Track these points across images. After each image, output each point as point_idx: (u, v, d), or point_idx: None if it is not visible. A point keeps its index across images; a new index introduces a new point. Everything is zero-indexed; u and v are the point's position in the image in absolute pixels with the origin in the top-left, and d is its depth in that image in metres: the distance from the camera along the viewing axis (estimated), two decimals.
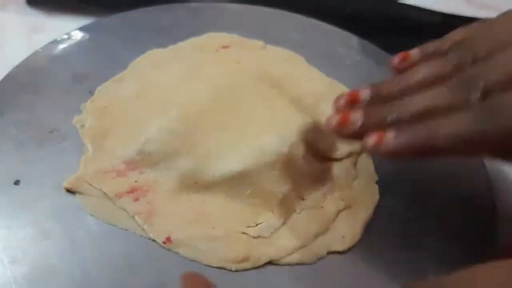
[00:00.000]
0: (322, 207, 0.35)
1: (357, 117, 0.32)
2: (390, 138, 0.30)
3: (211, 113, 0.38)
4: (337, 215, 0.35)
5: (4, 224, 0.33)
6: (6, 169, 0.35)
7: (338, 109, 0.34)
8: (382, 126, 0.31)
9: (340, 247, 0.33)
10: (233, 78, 0.41)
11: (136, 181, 0.35)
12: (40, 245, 0.32)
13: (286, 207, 0.35)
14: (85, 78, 0.41)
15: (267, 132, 0.36)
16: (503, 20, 0.32)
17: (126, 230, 0.33)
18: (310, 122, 0.37)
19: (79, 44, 0.44)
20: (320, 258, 0.33)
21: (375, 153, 0.32)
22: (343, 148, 0.38)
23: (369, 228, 0.34)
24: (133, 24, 0.46)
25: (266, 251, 0.33)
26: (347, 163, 0.38)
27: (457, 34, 0.33)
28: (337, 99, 0.34)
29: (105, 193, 0.34)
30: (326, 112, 0.40)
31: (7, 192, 0.34)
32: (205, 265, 0.32)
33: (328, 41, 0.47)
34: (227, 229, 0.33)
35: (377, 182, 0.37)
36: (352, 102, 0.33)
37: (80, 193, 0.34)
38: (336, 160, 0.38)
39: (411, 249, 0.34)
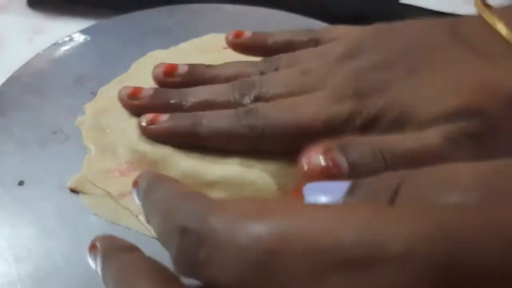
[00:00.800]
0: None
1: (148, 92, 0.37)
2: (162, 119, 0.34)
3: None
4: None
5: (9, 224, 0.33)
6: (10, 170, 0.35)
7: (154, 76, 0.38)
8: (165, 108, 0.35)
9: None
10: None
11: None
12: (44, 244, 0.32)
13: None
14: (87, 80, 0.41)
15: None
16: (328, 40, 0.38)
17: (129, 229, 0.33)
18: None
19: (81, 46, 0.44)
20: None
21: (145, 133, 0.35)
22: None
23: None
24: (134, 26, 0.47)
25: None
26: None
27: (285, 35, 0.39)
28: (156, 67, 0.38)
29: (108, 193, 0.34)
30: None
31: (11, 193, 0.34)
32: None
33: None
34: None
35: None
36: (168, 73, 0.38)
37: (83, 192, 0.35)
38: None
39: None
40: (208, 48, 0.45)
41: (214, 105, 0.35)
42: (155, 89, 0.37)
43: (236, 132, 0.33)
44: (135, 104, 0.37)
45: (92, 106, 0.39)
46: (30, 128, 0.38)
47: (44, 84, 0.41)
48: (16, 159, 0.36)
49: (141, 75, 0.42)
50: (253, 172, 0.35)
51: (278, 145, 0.34)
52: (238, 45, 0.40)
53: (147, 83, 0.41)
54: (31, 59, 0.42)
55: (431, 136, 0.30)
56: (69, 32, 0.45)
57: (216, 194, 0.35)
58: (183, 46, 0.45)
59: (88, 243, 0.32)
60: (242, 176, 0.35)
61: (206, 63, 0.43)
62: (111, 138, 0.37)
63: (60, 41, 0.44)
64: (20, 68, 0.42)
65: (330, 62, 0.35)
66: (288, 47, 0.38)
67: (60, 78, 0.41)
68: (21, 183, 0.35)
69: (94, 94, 0.40)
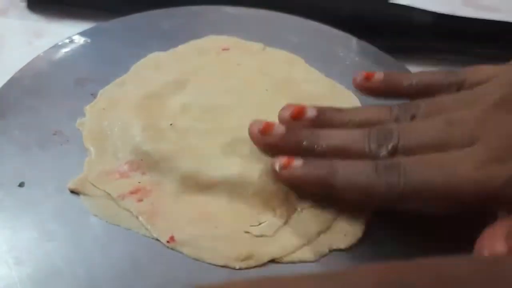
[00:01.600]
0: (324, 205, 0.35)
1: (279, 130, 0.34)
2: (296, 165, 0.32)
3: (209, 115, 0.38)
4: (339, 213, 0.35)
5: (9, 226, 0.33)
6: (11, 171, 0.35)
7: (280, 119, 0.35)
8: (297, 149, 0.33)
9: (342, 244, 0.34)
10: (233, 80, 0.42)
11: (139, 182, 0.35)
12: (44, 246, 0.32)
13: (288, 206, 0.35)
14: (87, 81, 0.41)
15: None
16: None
17: (129, 230, 0.33)
18: None
19: (81, 48, 0.45)
20: (323, 255, 0.33)
21: (278, 177, 0.33)
22: None
23: (371, 225, 0.35)
24: (134, 28, 0.47)
25: (269, 250, 0.33)
26: None
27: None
28: (284, 109, 0.35)
29: (108, 194, 0.34)
30: None
31: (11, 194, 0.34)
32: (208, 263, 0.32)
33: (327, 43, 0.47)
34: (230, 229, 0.34)
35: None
36: (297, 116, 0.34)
37: (84, 194, 0.35)
38: None
39: (414, 246, 0.34)
40: (207, 50, 0.45)
41: (347, 153, 0.32)
42: (287, 128, 0.34)
43: (373, 188, 0.30)
44: (266, 141, 0.34)
45: (92, 108, 0.39)
46: (30, 130, 0.38)
47: (44, 86, 0.41)
48: (16, 160, 0.36)
49: (141, 77, 0.42)
50: (254, 173, 0.35)
51: (418, 206, 0.31)
52: (369, 89, 0.36)
53: (147, 85, 0.41)
54: (31, 61, 0.42)
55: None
56: (68, 35, 0.45)
57: (218, 194, 0.35)
58: (183, 48, 0.45)
59: (88, 245, 0.32)
60: (243, 176, 0.35)
61: (206, 65, 0.43)
62: (112, 139, 0.37)
63: (60, 43, 0.44)
64: (20, 70, 0.42)
65: (483, 111, 0.30)
66: (427, 90, 0.34)
67: (60, 80, 0.41)
68: (21, 184, 0.35)
69: (94, 95, 0.40)
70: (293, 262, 0.33)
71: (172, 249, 0.33)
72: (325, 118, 0.34)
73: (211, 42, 0.46)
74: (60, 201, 0.34)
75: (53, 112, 0.39)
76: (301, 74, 0.44)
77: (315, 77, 0.44)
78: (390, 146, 0.31)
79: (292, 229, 0.34)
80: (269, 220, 0.34)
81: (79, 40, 0.45)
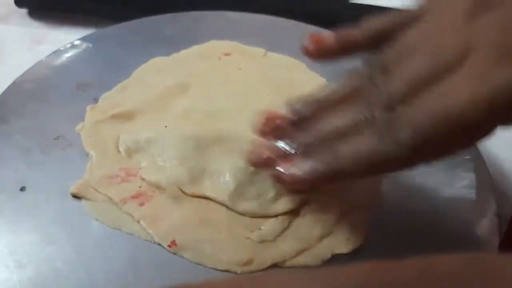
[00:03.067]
0: (325, 210, 0.35)
1: (265, 148, 0.32)
2: (299, 165, 0.30)
3: (210, 119, 0.38)
4: (340, 218, 0.35)
5: (10, 230, 0.33)
6: (12, 175, 0.35)
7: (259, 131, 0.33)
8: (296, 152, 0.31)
9: (344, 249, 0.33)
10: (235, 85, 0.42)
11: (140, 186, 0.35)
12: (45, 250, 0.32)
13: (289, 211, 0.35)
14: (89, 86, 0.42)
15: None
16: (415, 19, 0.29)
17: (131, 234, 0.33)
18: None
19: (83, 53, 0.45)
20: (325, 260, 0.33)
21: (284, 184, 0.32)
22: None
23: (373, 230, 0.35)
24: (136, 33, 0.47)
25: (271, 254, 0.33)
26: None
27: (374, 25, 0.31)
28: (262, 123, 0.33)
29: (110, 198, 0.34)
30: None
31: (13, 198, 0.34)
32: (210, 268, 0.32)
33: None
34: (231, 233, 0.33)
35: (380, 185, 0.37)
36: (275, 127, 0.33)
37: (85, 198, 0.35)
38: None
39: (415, 250, 0.34)
40: (209, 55, 0.46)
41: (347, 134, 0.29)
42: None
43: (381, 153, 0.27)
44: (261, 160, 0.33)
45: (92, 112, 0.39)
46: (32, 134, 0.38)
47: (46, 90, 0.41)
48: (18, 165, 0.36)
49: (143, 82, 0.42)
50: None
51: (434, 149, 0.28)
52: (322, 52, 0.33)
53: (149, 90, 0.41)
54: (33, 66, 0.43)
55: None
56: (69, 41, 0.46)
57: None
58: (185, 53, 0.46)
59: (89, 249, 0.32)
60: (242, 184, 0.35)
61: (207, 69, 0.44)
62: (112, 143, 0.37)
63: (61, 48, 0.45)
64: (22, 74, 0.42)
65: (461, 20, 0.27)
66: (384, 35, 0.31)
67: (62, 84, 0.42)
68: (23, 189, 0.35)
69: (96, 100, 0.40)
70: (294, 267, 0.33)
71: (173, 253, 0.32)
72: (309, 113, 0.32)
73: (213, 47, 0.46)
74: (62, 205, 0.34)
75: (55, 117, 0.39)
76: (303, 78, 0.44)
77: (316, 82, 0.44)
78: (383, 103, 0.28)
79: (294, 234, 0.34)
80: (271, 225, 0.34)
81: (81, 45, 0.45)
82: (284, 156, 0.32)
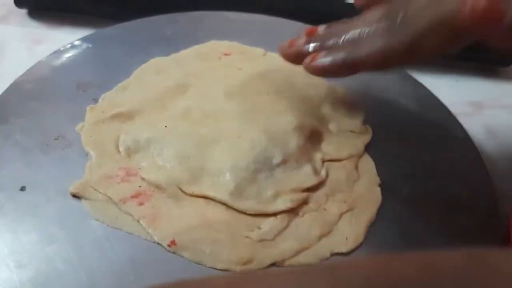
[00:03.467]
0: (324, 209, 0.35)
1: (301, 41, 0.39)
2: (321, 56, 0.37)
3: (210, 119, 0.38)
4: (339, 217, 0.35)
5: (10, 229, 0.33)
6: (12, 175, 0.35)
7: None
8: (320, 47, 0.37)
9: (343, 248, 0.34)
10: (234, 85, 0.42)
11: (140, 186, 0.35)
12: (45, 249, 0.32)
13: (289, 211, 0.35)
14: (89, 86, 0.42)
15: (261, 139, 0.37)
16: None
17: (131, 234, 0.33)
18: (306, 127, 0.39)
19: (83, 53, 0.45)
20: (324, 259, 0.33)
21: (310, 71, 0.38)
22: (343, 150, 0.38)
23: (372, 229, 0.35)
24: (135, 34, 0.47)
25: (270, 254, 0.33)
26: (348, 165, 0.38)
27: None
28: (298, 34, 0.40)
29: (110, 198, 0.34)
30: (326, 116, 0.41)
31: (13, 198, 0.34)
32: (209, 267, 0.32)
33: None
34: (231, 233, 0.34)
35: (379, 185, 0.37)
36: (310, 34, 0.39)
37: (85, 198, 0.35)
38: (335, 161, 0.38)
39: (415, 250, 0.34)
40: (209, 55, 0.46)
41: (364, 36, 0.36)
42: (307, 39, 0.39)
43: (390, 47, 0.34)
44: (293, 52, 0.39)
45: (92, 112, 0.39)
46: (32, 134, 0.38)
47: (46, 90, 0.41)
48: (18, 165, 0.36)
49: (143, 82, 0.43)
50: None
51: (429, 46, 0.33)
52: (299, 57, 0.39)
53: (149, 90, 0.41)
54: (33, 66, 0.43)
55: None
56: (68, 41, 0.46)
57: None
58: (184, 53, 0.46)
59: (89, 248, 0.32)
60: (240, 185, 0.35)
61: (207, 69, 0.44)
62: (111, 143, 0.37)
63: (61, 48, 0.45)
64: (23, 75, 0.42)
65: None
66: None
67: (62, 84, 0.42)
68: (22, 188, 0.35)
69: (96, 100, 0.40)
70: (294, 266, 0.33)
71: (173, 253, 0.33)
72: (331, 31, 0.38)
73: (213, 47, 0.46)
74: (61, 205, 0.34)
75: (55, 117, 0.39)
76: (302, 79, 0.44)
77: (315, 82, 0.44)
78: (400, 16, 0.34)
79: (293, 233, 0.34)
80: (270, 224, 0.34)
81: (81, 45, 0.45)
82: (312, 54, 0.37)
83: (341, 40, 0.37)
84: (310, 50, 0.38)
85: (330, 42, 0.37)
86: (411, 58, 0.36)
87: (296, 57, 0.39)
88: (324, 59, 0.37)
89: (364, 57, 0.35)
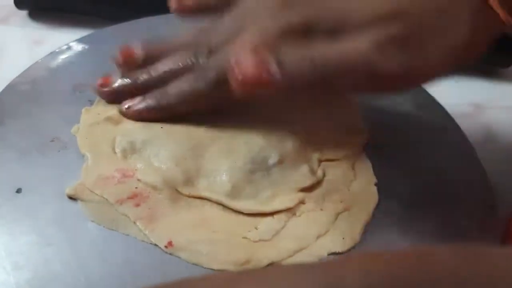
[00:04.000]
0: (321, 209, 0.35)
1: (114, 79, 0.38)
2: (137, 101, 0.37)
3: (207, 120, 0.38)
4: (336, 217, 0.35)
5: (6, 232, 0.33)
6: (8, 177, 0.35)
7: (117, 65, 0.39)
8: (137, 89, 0.37)
9: (340, 248, 0.33)
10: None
11: (136, 187, 0.35)
12: (42, 251, 0.32)
13: (286, 211, 0.35)
14: (85, 88, 0.41)
15: (258, 139, 0.37)
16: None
17: (127, 235, 0.33)
18: (303, 127, 0.39)
19: (79, 54, 0.45)
20: (321, 259, 0.33)
21: (128, 117, 0.38)
22: (339, 150, 0.38)
23: (369, 229, 0.35)
24: (132, 35, 0.46)
25: (267, 254, 0.33)
26: (344, 165, 0.38)
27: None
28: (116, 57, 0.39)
29: (106, 200, 0.34)
30: (323, 116, 0.41)
31: (9, 200, 0.34)
32: (207, 268, 0.32)
33: None
34: (228, 233, 0.34)
35: (375, 184, 0.37)
36: (126, 58, 0.39)
37: (81, 199, 0.35)
38: (332, 160, 0.38)
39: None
40: None
41: (178, 73, 0.36)
42: (122, 74, 0.39)
43: (197, 89, 0.35)
44: (108, 92, 0.39)
45: (88, 114, 0.39)
46: (28, 136, 0.38)
47: (42, 92, 0.41)
48: (14, 166, 0.36)
49: None
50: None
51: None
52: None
53: None
54: (29, 68, 0.42)
55: (361, 41, 0.30)
56: (68, 42, 0.45)
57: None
58: None
59: (86, 250, 0.32)
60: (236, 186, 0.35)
61: None
62: (107, 144, 0.37)
63: (57, 50, 0.44)
64: (18, 76, 0.42)
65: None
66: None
67: (58, 86, 0.42)
68: (18, 190, 0.35)
69: (91, 102, 0.40)
70: None
71: (170, 254, 0.33)
72: (153, 55, 0.38)
73: None
74: (58, 207, 0.34)
75: (51, 118, 0.39)
76: None
77: None
78: (206, 51, 0.35)
79: (290, 233, 0.34)
80: (267, 224, 0.34)
81: (77, 46, 0.45)
82: (130, 92, 0.38)
83: (152, 78, 0.37)
84: (122, 90, 0.38)
85: (142, 78, 0.37)
86: (216, 100, 0.36)
87: (116, 98, 0.39)
88: (139, 105, 0.37)
89: (177, 102, 0.36)
